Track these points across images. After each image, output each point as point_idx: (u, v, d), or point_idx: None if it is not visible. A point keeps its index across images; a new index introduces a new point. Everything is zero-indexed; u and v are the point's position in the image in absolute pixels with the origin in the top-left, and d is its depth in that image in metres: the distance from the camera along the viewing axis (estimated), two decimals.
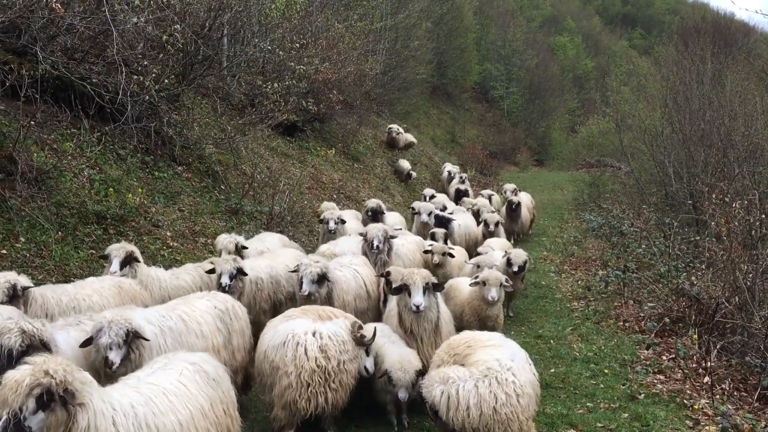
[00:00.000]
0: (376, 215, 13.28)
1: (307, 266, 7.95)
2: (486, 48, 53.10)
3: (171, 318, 6.22)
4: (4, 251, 8.72)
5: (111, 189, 11.08)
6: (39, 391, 3.80)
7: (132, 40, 12.84)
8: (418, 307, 6.74)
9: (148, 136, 13.30)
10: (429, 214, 13.84)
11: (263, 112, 16.54)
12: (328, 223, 11.89)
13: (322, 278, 7.93)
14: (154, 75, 12.41)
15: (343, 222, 12.05)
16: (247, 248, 9.97)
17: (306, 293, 7.80)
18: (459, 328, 7.87)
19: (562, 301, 12.41)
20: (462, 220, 14.68)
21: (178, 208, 12.67)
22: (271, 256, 9.80)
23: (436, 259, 10.51)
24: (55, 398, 3.85)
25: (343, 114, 23.10)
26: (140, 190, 11.70)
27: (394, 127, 27.87)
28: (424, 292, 6.80)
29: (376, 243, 9.82)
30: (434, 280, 7.06)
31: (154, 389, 4.64)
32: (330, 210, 12.64)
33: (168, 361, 5.16)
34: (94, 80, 12.12)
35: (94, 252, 9.90)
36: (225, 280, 8.02)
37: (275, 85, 16.62)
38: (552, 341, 9.99)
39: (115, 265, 7.82)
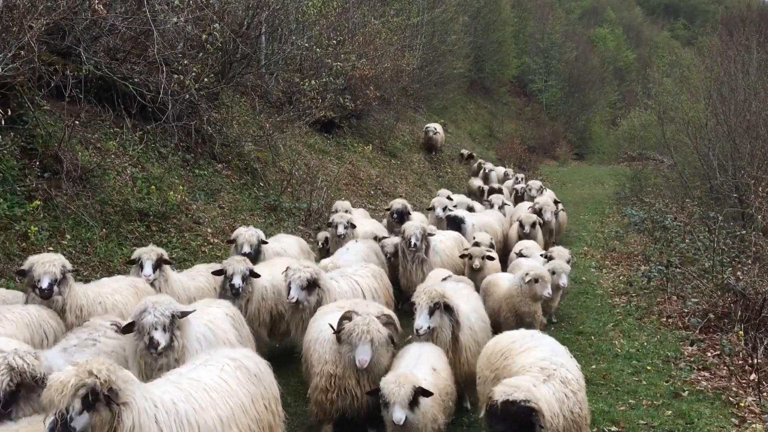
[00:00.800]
0: (402, 217, 12.35)
1: (296, 271, 7.40)
2: (524, 41, 52.56)
3: (200, 326, 6.09)
4: (51, 248, 8.94)
5: (153, 187, 11.29)
6: (84, 391, 3.83)
7: (172, 39, 13.07)
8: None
9: (189, 135, 13.51)
10: (444, 209, 13.23)
11: (301, 109, 16.65)
12: (336, 227, 11.07)
13: (312, 285, 7.35)
14: (194, 74, 12.62)
15: (353, 226, 11.29)
16: (267, 242, 9.74)
17: (294, 300, 7.28)
18: (496, 325, 7.81)
19: (603, 296, 12.22)
20: (478, 220, 13.52)
21: (218, 205, 12.85)
22: (269, 264, 9.01)
23: (477, 263, 9.97)
24: (99, 398, 3.89)
25: (380, 110, 23.11)
26: (181, 187, 11.90)
27: (431, 126, 26.18)
28: (431, 313, 6.35)
29: (413, 241, 9.77)
30: (447, 299, 6.51)
31: (195, 385, 4.65)
32: (340, 213, 11.81)
33: (209, 357, 5.18)
34: (135, 80, 12.40)
35: (137, 249, 10.10)
36: (237, 281, 7.59)
37: (312, 82, 16.74)
38: (593, 337, 9.85)
39: (148, 268, 7.69)
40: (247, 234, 9.44)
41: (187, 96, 12.39)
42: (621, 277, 13.33)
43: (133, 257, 8.02)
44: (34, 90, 10.38)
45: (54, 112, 11.12)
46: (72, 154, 10.41)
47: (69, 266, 6.71)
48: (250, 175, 14.60)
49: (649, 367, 8.53)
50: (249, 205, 13.63)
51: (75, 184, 10.23)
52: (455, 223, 12.72)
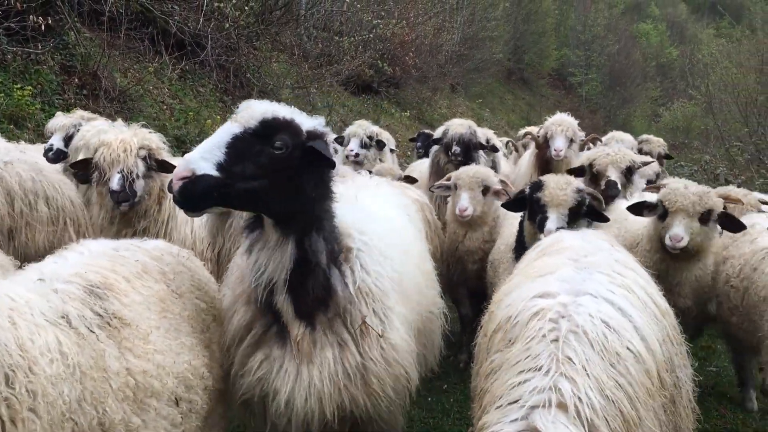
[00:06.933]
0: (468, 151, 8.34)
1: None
2: (565, 34, 51.82)
3: None
4: None
5: (191, 113, 11.17)
6: (144, 153, 3.93)
7: None
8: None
9: (227, 78, 13.38)
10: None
11: (339, 63, 16.46)
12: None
13: None
14: (233, 14, 12.51)
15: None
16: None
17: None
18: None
19: None
20: None
21: None
22: None
23: None
24: (153, 165, 3.99)
25: (418, 79, 22.81)
26: (218, 118, 11.76)
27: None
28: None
29: None
30: None
31: None
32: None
33: None
34: (176, 18, 12.32)
35: None
36: (115, 183, 3.89)
37: (351, 38, 16.59)
38: None
39: None
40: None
41: (227, 26, 12.22)
42: None
43: None
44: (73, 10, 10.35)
45: (93, 39, 11.07)
46: (110, 74, 10.34)
47: None
48: None
49: None
50: None
51: (112, 103, 10.15)
52: None
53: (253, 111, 2.83)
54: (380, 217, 3.82)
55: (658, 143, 9.80)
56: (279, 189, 2.81)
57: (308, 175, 2.89)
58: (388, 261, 3.31)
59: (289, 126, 2.83)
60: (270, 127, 2.79)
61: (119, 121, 5.27)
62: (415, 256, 3.95)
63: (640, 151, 8.99)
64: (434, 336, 4.03)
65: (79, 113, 6.53)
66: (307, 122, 2.93)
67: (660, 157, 9.47)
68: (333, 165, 2.92)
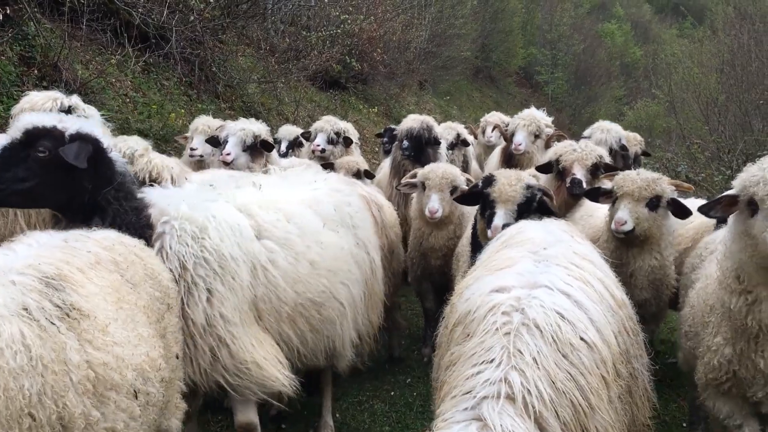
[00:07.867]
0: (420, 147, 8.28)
1: None
2: (532, 32, 52.30)
3: None
4: None
5: (154, 106, 11.02)
6: None
7: None
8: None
9: (192, 71, 13.22)
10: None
11: (306, 58, 16.39)
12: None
13: None
14: (198, 7, 12.36)
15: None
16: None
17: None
18: None
19: None
20: None
21: None
22: None
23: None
24: None
25: (386, 76, 22.82)
26: (182, 111, 11.64)
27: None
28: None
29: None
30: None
31: None
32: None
33: None
34: (140, 9, 12.12)
35: None
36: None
37: (319, 33, 16.52)
38: None
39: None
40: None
41: (192, 18, 12.06)
42: None
43: None
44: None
45: (53, 30, 10.85)
46: (71, 66, 10.15)
47: None
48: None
49: None
50: None
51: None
52: None
53: (20, 123, 3.40)
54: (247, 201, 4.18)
55: (635, 140, 9.81)
56: (49, 186, 3.35)
57: (76, 171, 3.36)
58: (203, 242, 3.63)
59: (49, 132, 3.36)
60: (32, 136, 3.32)
61: (75, 96, 5.29)
62: (304, 245, 4.15)
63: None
64: (318, 323, 4.20)
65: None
66: (73, 126, 3.44)
67: (637, 155, 9.61)
68: (76, 167, 3.32)
